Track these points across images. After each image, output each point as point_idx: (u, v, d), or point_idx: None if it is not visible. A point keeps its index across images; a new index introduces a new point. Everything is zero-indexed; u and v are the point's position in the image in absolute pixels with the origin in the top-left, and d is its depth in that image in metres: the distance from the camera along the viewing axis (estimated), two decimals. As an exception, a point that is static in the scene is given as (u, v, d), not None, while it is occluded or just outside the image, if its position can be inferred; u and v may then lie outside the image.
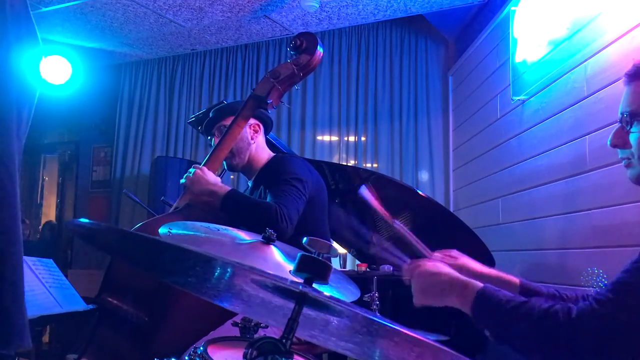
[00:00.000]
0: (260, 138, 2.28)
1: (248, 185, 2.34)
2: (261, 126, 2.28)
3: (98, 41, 4.50)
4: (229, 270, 0.82)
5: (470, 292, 1.21)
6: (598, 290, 1.13)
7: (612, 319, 1.03)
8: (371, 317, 0.75)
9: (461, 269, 1.41)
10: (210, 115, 2.33)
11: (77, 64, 4.50)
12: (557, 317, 1.07)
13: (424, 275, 1.31)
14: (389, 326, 0.73)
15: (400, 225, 1.55)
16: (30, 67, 0.92)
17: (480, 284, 1.23)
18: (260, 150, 2.27)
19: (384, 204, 3.00)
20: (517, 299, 1.16)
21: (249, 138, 2.23)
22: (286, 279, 0.77)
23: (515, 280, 1.44)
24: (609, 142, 1.26)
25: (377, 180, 2.98)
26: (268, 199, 2.04)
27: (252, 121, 2.23)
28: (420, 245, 1.57)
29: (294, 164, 2.17)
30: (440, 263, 1.37)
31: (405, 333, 0.72)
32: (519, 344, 1.13)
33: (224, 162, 2.27)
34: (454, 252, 1.53)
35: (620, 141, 1.22)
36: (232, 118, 2.17)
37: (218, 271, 0.83)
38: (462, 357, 0.74)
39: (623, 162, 1.26)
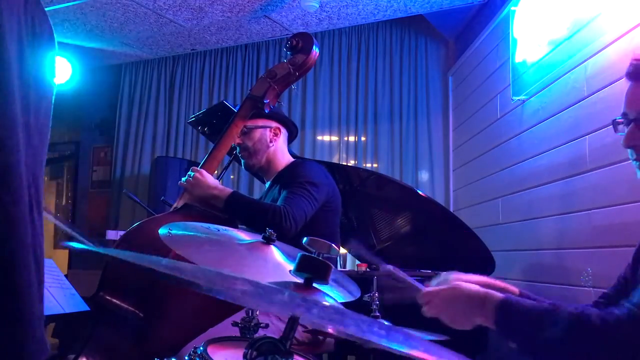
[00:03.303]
0: (281, 142, 2.30)
1: (265, 186, 2.37)
2: (282, 130, 2.30)
3: (98, 41, 4.50)
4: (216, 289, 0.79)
5: (490, 304, 1.14)
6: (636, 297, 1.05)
7: None
8: (364, 337, 0.72)
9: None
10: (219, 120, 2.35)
11: (77, 64, 4.51)
12: (591, 322, 1.01)
13: (446, 299, 1.22)
14: (384, 346, 0.71)
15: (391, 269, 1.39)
16: (45, 66, 0.89)
17: (499, 295, 1.16)
18: (279, 154, 2.29)
19: (385, 204, 3.01)
20: (543, 305, 1.10)
21: (268, 140, 2.26)
22: (283, 291, 0.75)
23: (515, 289, 1.37)
24: (625, 143, 1.20)
25: (377, 180, 2.98)
26: (279, 201, 2.06)
27: (273, 124, 2.27)
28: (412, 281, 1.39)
29: (310, 168, 2.20)
30: (462, 282, 1.26)
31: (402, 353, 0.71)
32: (549, 353, 1.06)
33: (242, 161, 2.30)
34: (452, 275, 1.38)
35: (639, 142, 1.18)
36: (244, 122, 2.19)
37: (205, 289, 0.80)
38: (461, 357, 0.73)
39: (634, 162, 1.21)
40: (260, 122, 2.25)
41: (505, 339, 1.14)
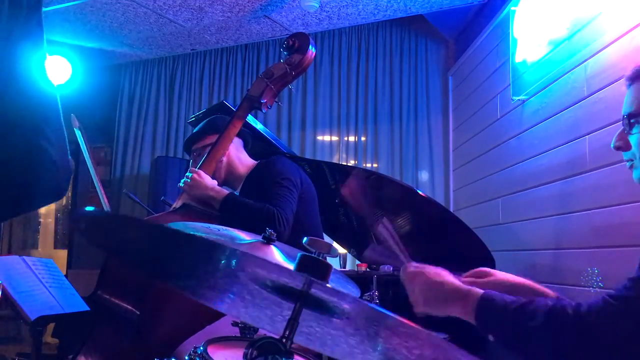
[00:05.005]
0: (233, 151, 2.27)
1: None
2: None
3: (98, 41, 4.50)
4: (234, 261, 0.81)
5: (472, 298, 1.16)
6: (614, 289, 1.06)
7: (629, 316, 0.98)
8: (375, 307, 0.74)
9: (498, 285, 1.29)
10: (194, 131, 2.34)
11: (77, 64, 4.50)
12: (565, 313, 1.03)
13: (426, 283, 1.23)
14: (391, 315, 0.72)
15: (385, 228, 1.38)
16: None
17: (480, 290, 1.17)
18: (237, 162, 2.27)
19: (385, 204, 3.01)
20: (522, 299, 1.11)
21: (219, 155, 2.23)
22: (290, 270, 0.77)
23: (551, 293, 1.31)
24: (612, 145, 1.25)
25: (377, 180, 2.98)
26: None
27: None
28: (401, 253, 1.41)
29: (281, 164, 2.19)
30: (442, 270, 1.27)
31: (407, 323, 0.72)
32: (526, 346, 1.08)
33: None
34: (484, 270, 1.38)
35: (623, 143, 1.22)
36: (214, 136, 2.18)
37: (223, 260, 0.81)
38: (463, 352, 0.73)
39: (627, 164, 1.25)
40: (207, 141, 2.23)
41: (484, 333, 1.15)
